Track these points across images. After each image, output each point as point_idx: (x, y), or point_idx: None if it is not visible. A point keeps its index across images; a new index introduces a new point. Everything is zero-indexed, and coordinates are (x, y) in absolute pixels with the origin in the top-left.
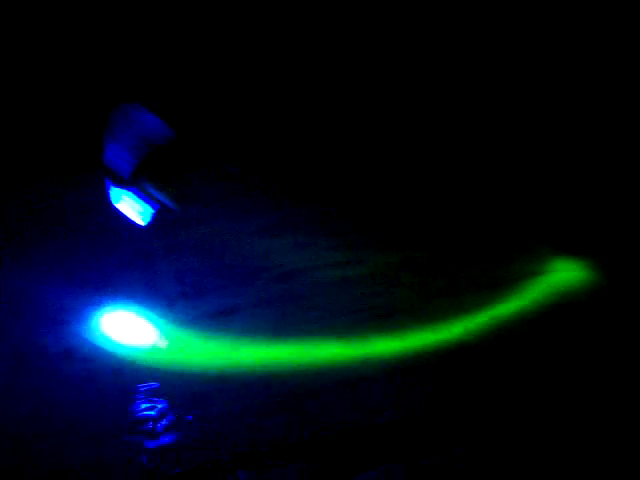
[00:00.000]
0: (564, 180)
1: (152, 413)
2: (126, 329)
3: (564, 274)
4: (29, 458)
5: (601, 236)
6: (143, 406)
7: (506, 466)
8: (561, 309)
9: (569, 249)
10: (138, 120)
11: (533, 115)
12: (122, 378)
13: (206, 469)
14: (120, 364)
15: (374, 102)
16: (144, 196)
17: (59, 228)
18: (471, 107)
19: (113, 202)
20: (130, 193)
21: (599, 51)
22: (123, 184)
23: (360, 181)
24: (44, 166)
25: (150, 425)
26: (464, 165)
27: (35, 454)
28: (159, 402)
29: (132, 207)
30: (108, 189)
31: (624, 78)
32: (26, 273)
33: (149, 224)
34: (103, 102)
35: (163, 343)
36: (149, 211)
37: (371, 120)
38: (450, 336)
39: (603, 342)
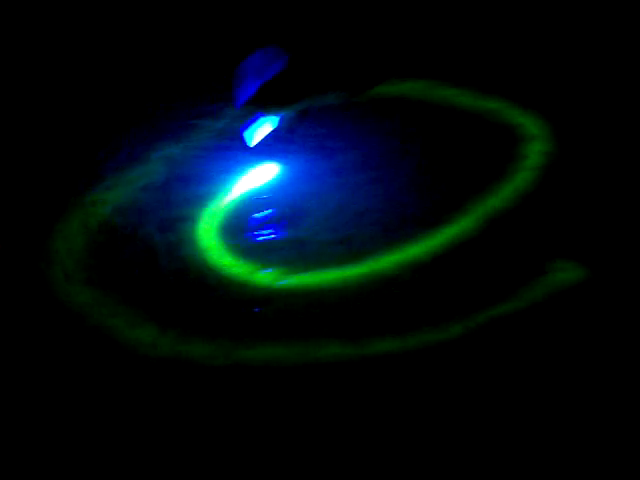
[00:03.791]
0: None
1: None
2: None
3: (564, 274)
4: None
5: (601, 237)
6: None
7: (505, 465)
8: (560, 309)
9: (569, 249)
10: (262, 59)
11: None
12: None
13: None
14: None
15: None
16: (265, 119)
17: None
18: None
19: (241, 129)
20: (255, 119)
21: None
22: (250, 112)
23: None
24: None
25: None
26: None
27: None
28: None
29: (256, 131)
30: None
31: None
32: None
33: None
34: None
35: None
36: (268, 131)
37: None
38: (450, 336)
39: (603, 341)
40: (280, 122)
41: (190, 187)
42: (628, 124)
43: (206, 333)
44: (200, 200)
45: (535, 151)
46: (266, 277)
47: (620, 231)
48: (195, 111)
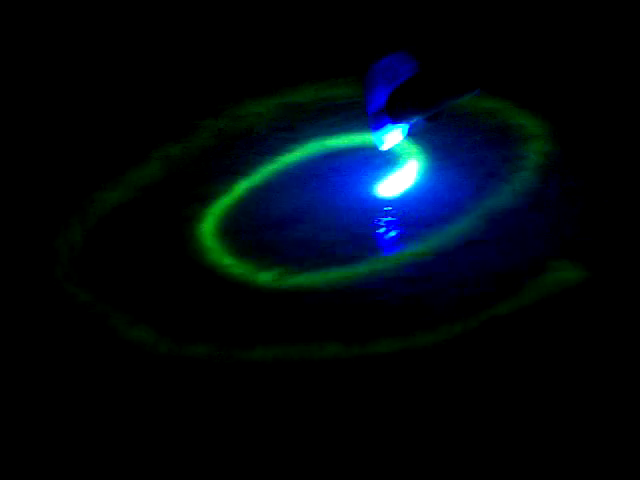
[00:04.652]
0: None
1: None
2: None
3: (564, 274)
4: None
5: (601, 237)
6: None
7: (504, 464)
8: (560, 309)
9: (569, 248)
10: (390, 66)
11: None
12: None
13: None
14: None
15: None
16: (400, 121)
17: None
18: None
19: (375, 133)
20: (389, 123)
21: None
22: (384, 116)
23: None
24: None
25: None
26: None
27: None
28: None
29: (391, 135)
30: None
31: None
32: None
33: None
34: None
35: None
36: (405, 132)
37: None
38: (450, 336)
39: (603, 342)
40: (410, 130)
41: (190, 187)
42: (629, 124)
43: (206, 333)
44: (201, 200)
45: (535, 151)
46: (267, 277)
47: (620, 231)
48: (195, 111)
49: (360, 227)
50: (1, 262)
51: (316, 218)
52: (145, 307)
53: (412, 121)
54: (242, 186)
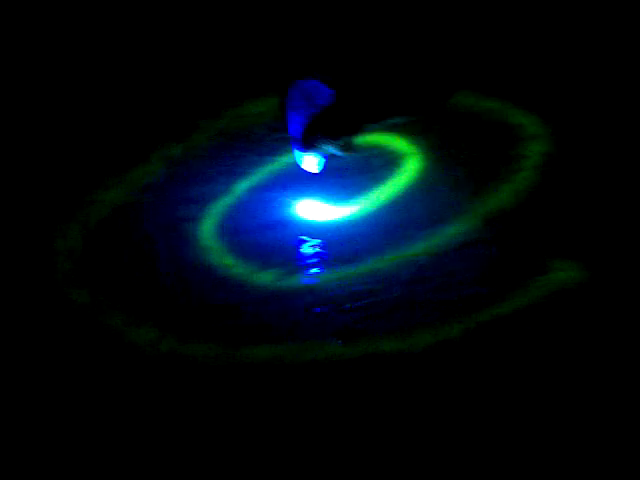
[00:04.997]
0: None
1: None
2: None
3: (564, 274)
4: None
5: (601, 237)
6: None
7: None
8: (561, 309)
9: (569, 249)
10: (309, 90)
11: None
12: None
13: None
14: None
15: None
16: (317, 150)
17: None
18: None
19: (296, 160)
20: (307, 150)
21: None
22: (302, 144)
23: None
24: None
25: None
26: None
27: None
28: None
29: (309, 161)
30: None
31: None
32: None
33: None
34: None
35: None
36: (321, 162)
37: None
38: (449, 336)
39: (603, 342)
40: (326, 161)
41: (190, 187)
42: (628, 124)
43: (206, 333)
44: (200, 200)
45: (535, 151)
46: (267, 277)
47: (620, 231)
48: (195, 111)
49: (360, 227)
50: (1, 263)
51: (315, 218)
52: (145, 308)
53: (327, 153)
54: (242, 186)
